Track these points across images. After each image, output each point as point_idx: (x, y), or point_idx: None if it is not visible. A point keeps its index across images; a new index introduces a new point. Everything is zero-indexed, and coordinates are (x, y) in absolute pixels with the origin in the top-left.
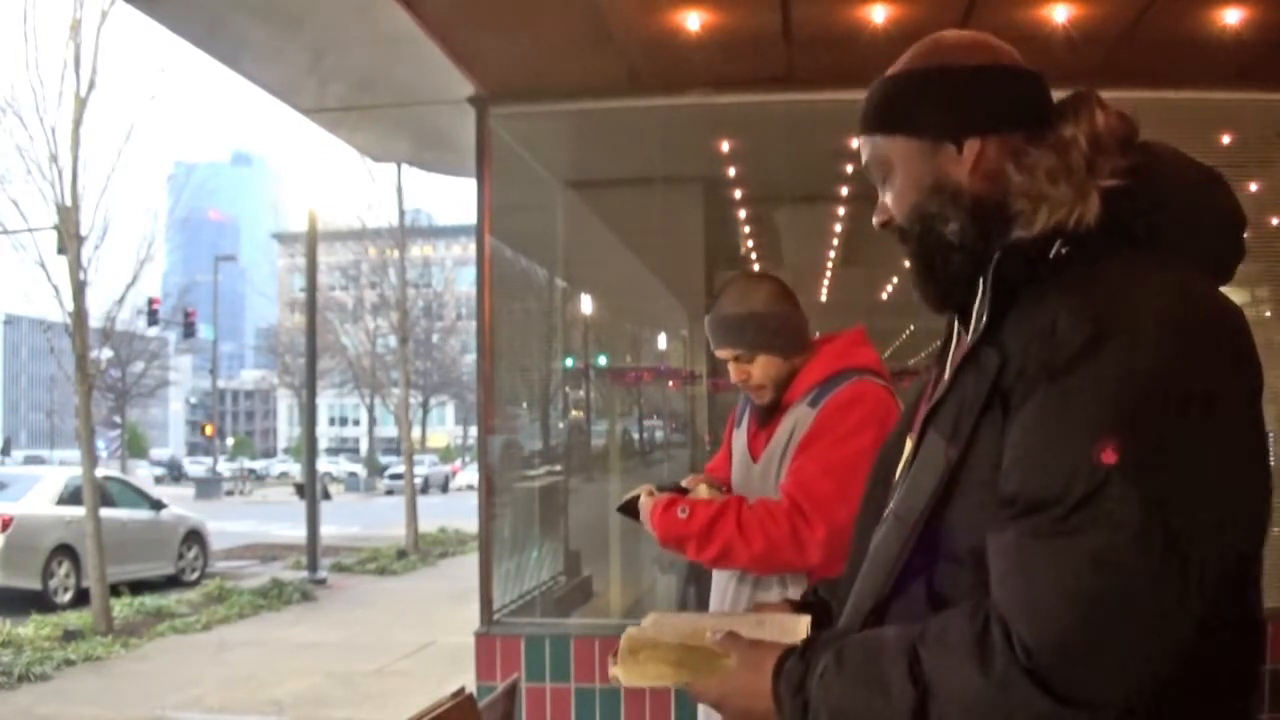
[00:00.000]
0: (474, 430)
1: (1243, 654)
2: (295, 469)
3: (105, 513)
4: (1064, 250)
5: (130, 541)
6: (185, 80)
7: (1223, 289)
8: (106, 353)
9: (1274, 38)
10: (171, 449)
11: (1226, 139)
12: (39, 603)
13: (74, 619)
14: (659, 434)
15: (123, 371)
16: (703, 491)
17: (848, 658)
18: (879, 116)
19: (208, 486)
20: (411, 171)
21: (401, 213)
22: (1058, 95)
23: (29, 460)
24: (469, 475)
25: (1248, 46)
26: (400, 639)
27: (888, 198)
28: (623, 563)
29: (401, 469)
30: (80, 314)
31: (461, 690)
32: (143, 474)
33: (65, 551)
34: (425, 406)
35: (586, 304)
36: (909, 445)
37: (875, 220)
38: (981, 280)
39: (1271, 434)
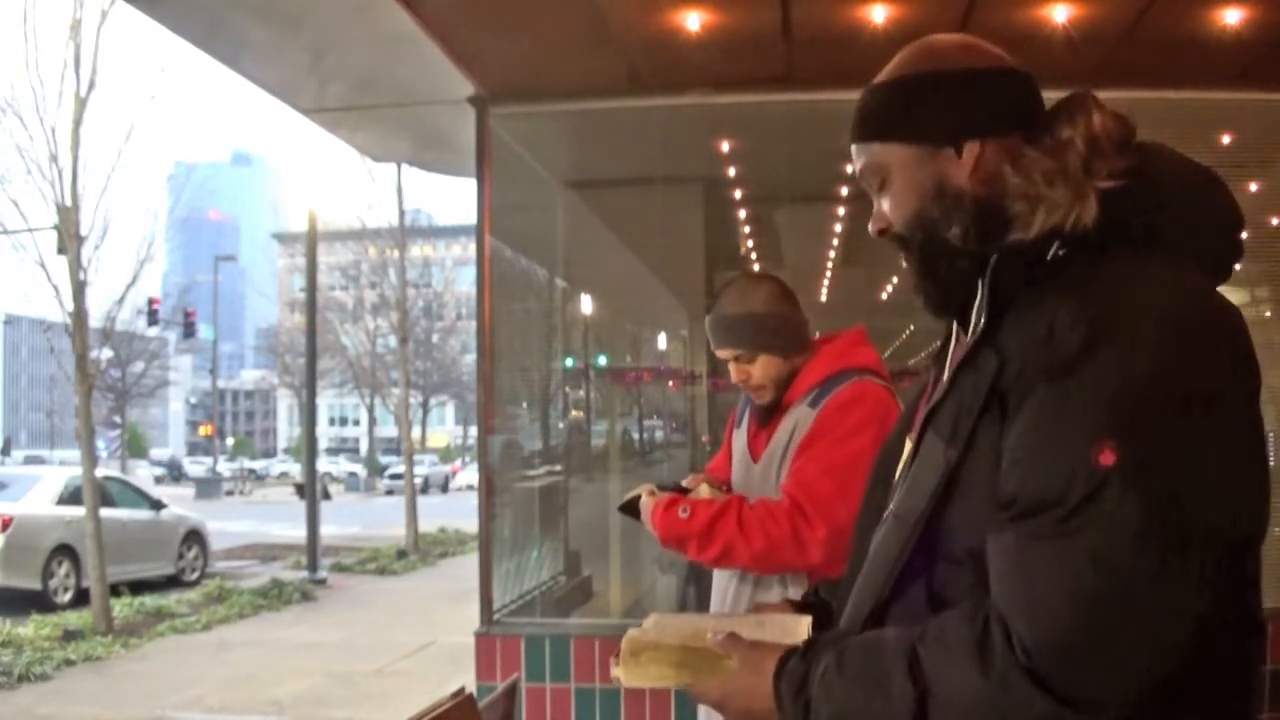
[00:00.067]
0: (474, 430)
1: (1243, 654)
2: (295, 469)
3: (105, 513)
4: (1061, 252)
5: (130, 541)
6: (185, 80)
7: (1222, 289)
8: (106, 353)
9: (1274, 38)
10: (171, 449)
11: (1226, 139)
12: (39, 603)
13: (74, 619)
14: (659, 434)
15: (123, 371)
16: (704, 491)
17: (848, 659)
18: (875, 124)
19: (208, 486)
20: (411, 171)
21: (401, 213)
22: (1057, 95)
23: (29, 460)
24: (469, 475)
25: (1248, 46)
26: (400, 639)
27: (885, 205)
28: (623, 563)
29: (401, 469)
30: (80, 314)
31: (461, 690)
32: (143, 474)
33: (65, 551)
34: (425, 406)
35: (586, 304)
36: (908, 446)
37: (872, 228)
38: (980, 282)
39: (1271, 434)
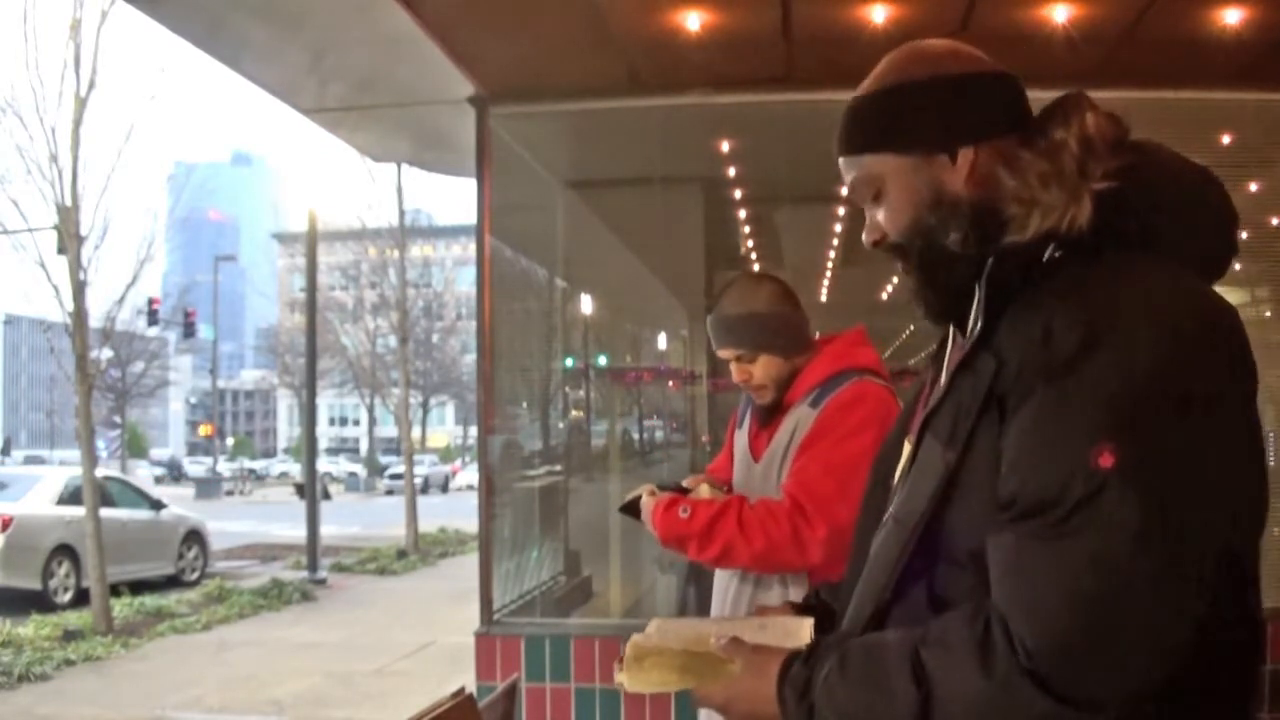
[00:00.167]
0: (474, 430)
1: (1243, 654)
2: (295, 469)
3: (105, 513)
4: (1057, 254)
5: (130, 541)
6: (185, 80)
7: (1222, 289)
8: (106, 353)
9: (1274, 38)
10: (171, 449)
11: (1226, 139)
12: (39, 603)
13: (74, 619)
14: (659, 434)
15: (123, 371)
16: (704, 491)
17: (851, 662)
18: (866, 135)
19: (208, 486)
20: (411, 171)
21: (401, 213)
22: (1057, 95)
23: (29, 460)
24: (469, 475)
25: (1248, 46)
26: (400, 639)
27: (879, 216)
28: (623, 563)
29: (401, 469)
30: (80, 314)
31: (461, 690)
32: (143, 474)
33: (65, 551)
34: (425, 406)
35: (586, 304)
36: (906, 449)
37: (867, 240)
38: (977, 285)
39: (1271, 434)
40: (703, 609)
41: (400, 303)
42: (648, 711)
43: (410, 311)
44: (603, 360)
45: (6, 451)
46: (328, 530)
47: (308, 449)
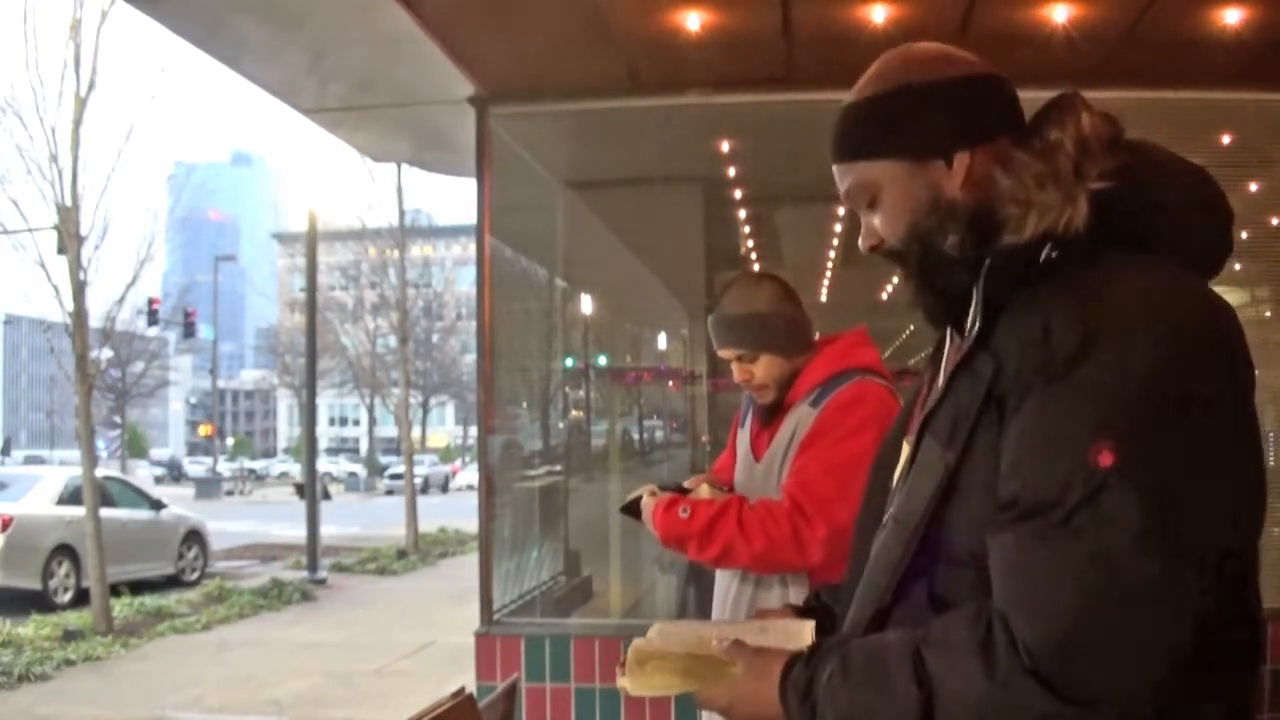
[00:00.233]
0: (474, 430)
1: (1243, 654)
2: (295, 469)
3: (105, 513)
4: (1054, 254)
5: (130, 541)
6: (185, 80)
7: (1221, 289)
8: (106, 353)
9: (1274, 38)
10: (171, 449)
11: (1226, 139)
12: (39, 603)
13: (74, 619)
14: (659, 434)
15: (123, 371)
16: (704, 491)
17: (853, 663)
18: (862, 141)
19: (208, 486)
20: (411, 171)
21: (401, 213)
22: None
23: (29, 460)
24: (469, 475)
25: (1248, 46)
26: (400, 639)
27: (876, 221)
28: (623, 563)
29: (401, 469)
30: (80, 314)
31: (461, 690)
32: (143, 474)
33: (65, 551)
34: (425, 406)
35: (586, 304)
36: (906, 450)
37: (863, 245)
38: (974, 288)
39: (1270, 434)
40: (703, 609)
41: (400, 303)
42: (648, 712)
43: (410, 311)
44: (603, 360)
45: (6, 451)
46: (328, 530)
47: (308, 449)
